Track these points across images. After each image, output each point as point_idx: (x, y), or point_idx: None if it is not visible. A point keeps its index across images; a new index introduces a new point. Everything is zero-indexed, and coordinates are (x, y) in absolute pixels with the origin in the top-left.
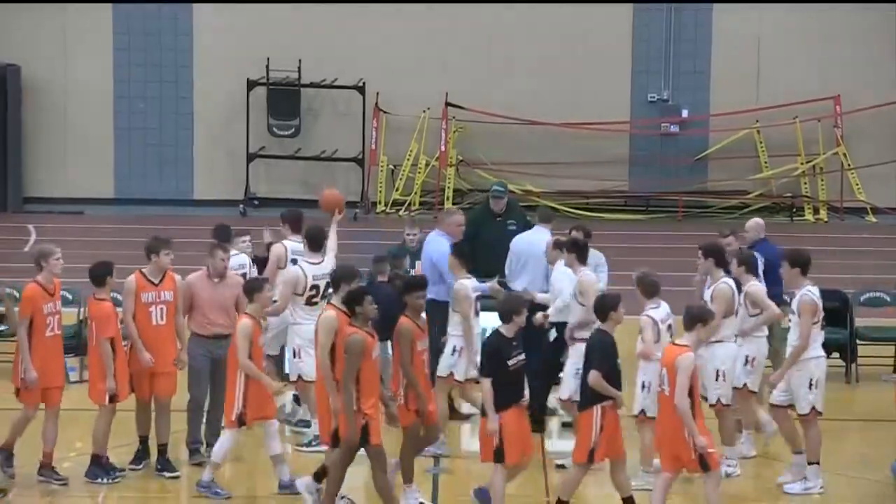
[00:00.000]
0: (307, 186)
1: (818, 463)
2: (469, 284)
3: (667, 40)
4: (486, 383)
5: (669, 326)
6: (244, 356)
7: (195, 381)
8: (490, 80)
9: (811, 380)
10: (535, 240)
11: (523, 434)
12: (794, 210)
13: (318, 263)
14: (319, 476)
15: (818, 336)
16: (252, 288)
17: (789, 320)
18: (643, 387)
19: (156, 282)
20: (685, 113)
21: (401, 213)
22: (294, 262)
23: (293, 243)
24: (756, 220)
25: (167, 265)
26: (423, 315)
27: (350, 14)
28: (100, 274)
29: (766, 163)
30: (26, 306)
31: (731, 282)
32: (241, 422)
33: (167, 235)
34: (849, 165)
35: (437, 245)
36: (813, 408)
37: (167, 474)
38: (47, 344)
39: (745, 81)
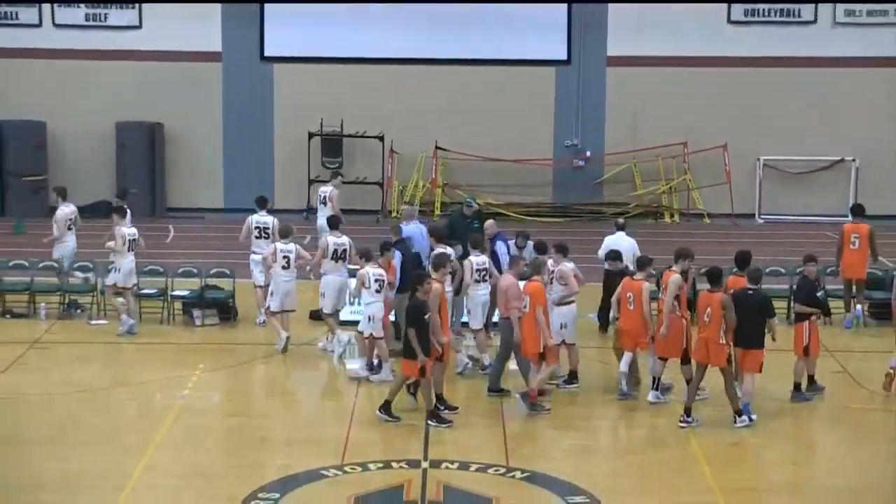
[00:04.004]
0: (347, 201)
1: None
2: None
3: (577, 107)
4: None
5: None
6: (669, 304)
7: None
8: (464, 131)
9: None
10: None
11: None
12: (658, 215)
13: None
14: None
15: (478, 287)
16: (683, 254)
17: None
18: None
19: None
20: (588, 153)
21: None
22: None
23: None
24: (490, 221)
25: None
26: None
27: (375, 92)
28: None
29: (640, 184)
30: (539, 298)
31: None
32: (685, 358)
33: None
34: (693, 186)
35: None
36: None
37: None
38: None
39: (627, 133)
